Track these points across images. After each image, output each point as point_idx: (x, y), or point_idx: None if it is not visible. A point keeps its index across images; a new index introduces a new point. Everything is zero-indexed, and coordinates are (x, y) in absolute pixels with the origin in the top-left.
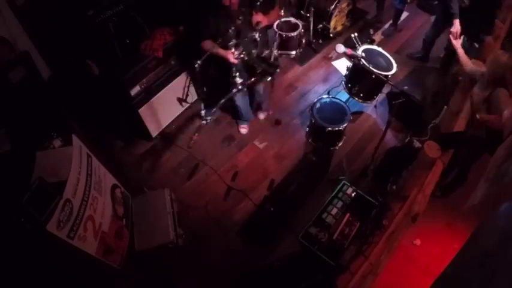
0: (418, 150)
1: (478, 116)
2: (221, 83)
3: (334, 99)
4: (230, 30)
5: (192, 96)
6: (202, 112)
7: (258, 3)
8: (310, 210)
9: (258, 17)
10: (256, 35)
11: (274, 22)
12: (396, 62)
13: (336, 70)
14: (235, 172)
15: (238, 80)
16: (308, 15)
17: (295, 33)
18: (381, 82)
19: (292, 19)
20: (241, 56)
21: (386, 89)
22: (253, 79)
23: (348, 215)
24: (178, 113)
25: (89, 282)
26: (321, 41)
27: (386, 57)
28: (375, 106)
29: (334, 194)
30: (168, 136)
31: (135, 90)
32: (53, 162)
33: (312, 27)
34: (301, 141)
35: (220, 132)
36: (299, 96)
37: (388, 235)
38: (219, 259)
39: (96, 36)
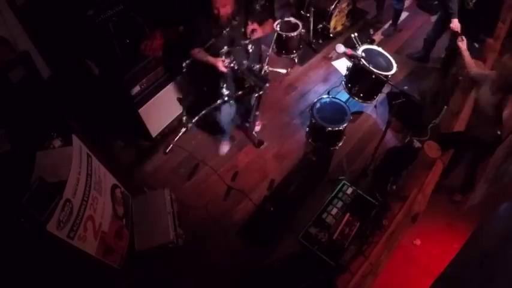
0: (418, 150)
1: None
2: (207, 93)
3: (334, 99)
4: (222, 36)
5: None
6: (184, 118)
7: (254, 13)
8: (310, 210)
9: (254, 27)
10: (249, 46)
11: (268, 34)
12: (396, 62)
13: (336, 70)
14: (235, 172)
15: (225, 92)
16: (308, 15)
17: (295, 33)
18: (380, 82)
19: (292, 19)
20: (232, 65)
21: (386, 89)
22: (240, 92)
23: (348, 215)
24: (178, 113)
25: (89, 282)
26: (321, 41)
27: (386, 57)
28: (375, 106)
29: (334, 194)
30: (168, 136)
31: (135, 90)
32: (53, 162)
33: (312, 27)
34: (301, 141)
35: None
36: (299, 96)
37: (388, 235)
38: (219, 259)
39: (96, 36)
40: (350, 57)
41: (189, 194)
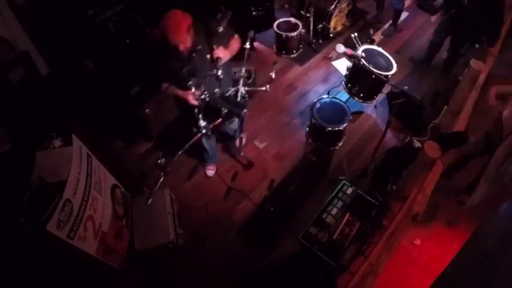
0: (418, 150)
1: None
2: (183, 127)
3: (334, 99)
4: (184, 70)
5: None
6: (161, 161)
7: (217, 36)
8: (310, 210)
9: (218, 52)
10: (219, 72)
11: (236, 53)
12: (396, 62)
13: (336, 70)
14: (235, 172)
15: (202, 123)
16: (308, 15)
17: (295, 33)
18: (380, 82)
19: (292, 19)
20: (203, 96)
21: (386, 89)
22: (218, 121)
23: (348, 215)
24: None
25: (89, 282)
26: (321, 41)
27: (386, 57)
28: (375, 106)
29: (334, 194)
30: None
31: (135, 90)
32: (53, 162)
33: (312, 27)
34: (301, 141)
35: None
36: (299, 96)
37: (388, 235)
38: (219, 259)
39: (96, 36)
40: (350, 57)
41: (189, 194)
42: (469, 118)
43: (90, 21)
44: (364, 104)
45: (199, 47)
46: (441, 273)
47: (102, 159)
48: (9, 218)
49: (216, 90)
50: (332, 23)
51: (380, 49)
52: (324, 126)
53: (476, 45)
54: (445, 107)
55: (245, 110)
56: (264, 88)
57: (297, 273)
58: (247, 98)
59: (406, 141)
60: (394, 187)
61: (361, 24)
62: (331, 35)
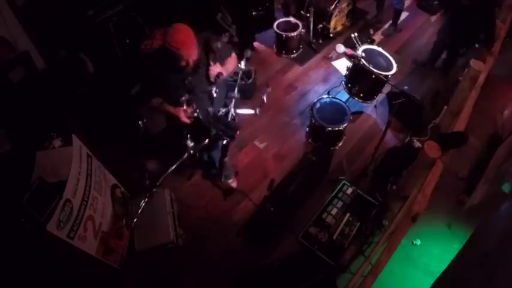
0: (418, 150)
1: None
2: (169, 147)
3: (334, 99)
4: (186, 82)
5: None
6: (146, 181)
7: (216, 52)
8: (310, 210)
9: (217, 68)
10: (213, 90)
11: (232, 72)
12: (396, 62)
13: (336, 70)
14: (235, 172)
15: (190, 144)
16: (308, 15)
17: (295, 33)
18: (380, 82)
19: (292, 19)
20: (195, 114)
21: (386, 89)
22: (206, 142)
23: (348, 215)
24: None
25: (89, 282)
26: (321, 41)
27: (386, 57)
28: (375, 106)
29: (334, 194)
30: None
31: (135, 90)
32: (53, 162)
33: (312, 27)
34: (301, 141)
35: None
36: (299, 96)
37: (388, 235)
38: (219, 259)
39: (96, 36)
40: (350, 57)
41: (189, 194)
42: (469, 118)
43: (90, 21)
44: (364, 104)
45: (199, 63)
46: (441, 273)
47: (102, 159)
48: (9, 218)
49: (210, 109)
50: (332, 23)
51: (380, 49)
52: (324, 126)
53: (476, 45)
54: (445, 107)
55: (238, 132)
56: (253, 111)
57: (297, 273)
58: (237, 120)
59: (406, 141)
60: (394, 187)
61: (361, 24)
62: (331, 35)
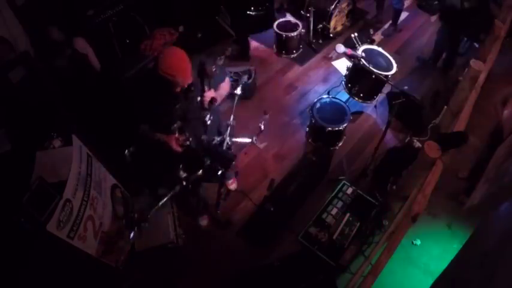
0: (418, 150)
1: None
2: (160, 178)
3: (334, 99)
4: (178, 107)
5: None
6: (134, 215)
7: (210, 76)
8: (310, 210)
9: (211, 94)
10: (207, 117)
11: (225, 98)
12: (396, 62)
13: (336, 70)
14: (235, 172)
15: (182, 175)
16: (308, 15)
17: (295, 33)
18: (381, 82)
19: (292, 19)
20: (187, 143)
21: (386, 89)
22: (199, 173)
23: (348, 215)
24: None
25: (89, 282)
26: (321, 41)
27: (387, 57)
28: (375, 106)
29: (334, 194)
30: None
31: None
32: (53, 162)
33: (312, 27)
34: (301, 141)
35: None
36: (299, 96)
37: (388, 235)
38: (219, 259)
39: (96, 36)
40: (350, 57)
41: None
42: (469, 118)
43: (90, 21)
44: (364, 104)
45: (193, 88)
46: (441, 273)
47: (102, 159)
48: (9, 218)
49: (203, 137)
50: (332, 23)
51: (380, 49)
52: (324, 126)
53: (476, 45)
54: (445, 107)
55: (234, 163)
56: (250, 140)
57: (297, 273)
58: (232, 150)
59: (406, 141)
60: (394, 187)
61: (361, 24)
62: (331, 35)
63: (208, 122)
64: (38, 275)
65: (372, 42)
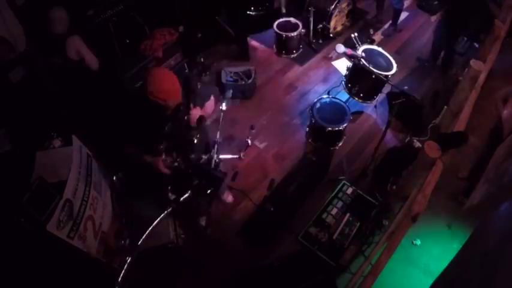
0: (418, 150)
1: None
2: (149, 201)
3: (334, 99)
4: (166, 128)
5: None
6: (126, 241)
7: (196, 94)
8: (310, 210)
9: (198, 112)
10: (194, 135)
11: (211, 116)
12: (396, 62)
13: (336, 70)
14: (235, 172)
15: (172, 196)
16: (308, 15)
17: (295, 33)
18: (380, 82)
19: (292, 19)
20: (175, 164)
21: (386, 89)
22: (188, 194)
23: (348, 215)
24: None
25: (89, 282)
26: (321, 41)
27: (387, 57)
28: (375, 106)
29: (334, 194)
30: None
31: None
32: (53, 162)
33: (312, 27)
34: (301, 141)
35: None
36: (299, 96)
37: (388, 235)
38: (219, 259)
39: (96, 36)
40: (350, 57)
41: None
42: (469, 118)
43: (90, 21)
44: (364, 104)
45: (181, 107)
46: (441, 273)
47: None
48: (9, 218)
49: (192, 156)
50: (332, 23)
51: (380, 49)
52: (324, 126)
53: (476, 45)
54: (445, 107)
55: (224, 182)
56: (237, 156)
57: (297, 273)
58: (220, 169)
59: (406, 141)
60: (394, 187)
61: (361, 24)
62: (331, 35)
63: (195, 141)
64: (38, 275)
65: (372, 42)
